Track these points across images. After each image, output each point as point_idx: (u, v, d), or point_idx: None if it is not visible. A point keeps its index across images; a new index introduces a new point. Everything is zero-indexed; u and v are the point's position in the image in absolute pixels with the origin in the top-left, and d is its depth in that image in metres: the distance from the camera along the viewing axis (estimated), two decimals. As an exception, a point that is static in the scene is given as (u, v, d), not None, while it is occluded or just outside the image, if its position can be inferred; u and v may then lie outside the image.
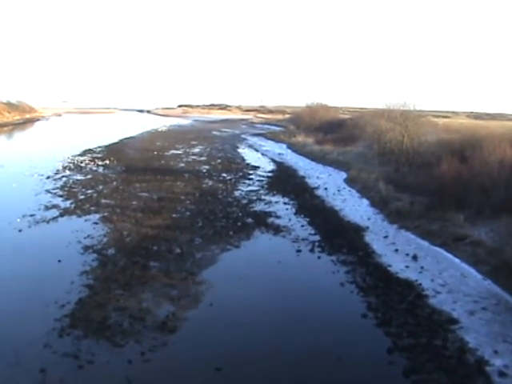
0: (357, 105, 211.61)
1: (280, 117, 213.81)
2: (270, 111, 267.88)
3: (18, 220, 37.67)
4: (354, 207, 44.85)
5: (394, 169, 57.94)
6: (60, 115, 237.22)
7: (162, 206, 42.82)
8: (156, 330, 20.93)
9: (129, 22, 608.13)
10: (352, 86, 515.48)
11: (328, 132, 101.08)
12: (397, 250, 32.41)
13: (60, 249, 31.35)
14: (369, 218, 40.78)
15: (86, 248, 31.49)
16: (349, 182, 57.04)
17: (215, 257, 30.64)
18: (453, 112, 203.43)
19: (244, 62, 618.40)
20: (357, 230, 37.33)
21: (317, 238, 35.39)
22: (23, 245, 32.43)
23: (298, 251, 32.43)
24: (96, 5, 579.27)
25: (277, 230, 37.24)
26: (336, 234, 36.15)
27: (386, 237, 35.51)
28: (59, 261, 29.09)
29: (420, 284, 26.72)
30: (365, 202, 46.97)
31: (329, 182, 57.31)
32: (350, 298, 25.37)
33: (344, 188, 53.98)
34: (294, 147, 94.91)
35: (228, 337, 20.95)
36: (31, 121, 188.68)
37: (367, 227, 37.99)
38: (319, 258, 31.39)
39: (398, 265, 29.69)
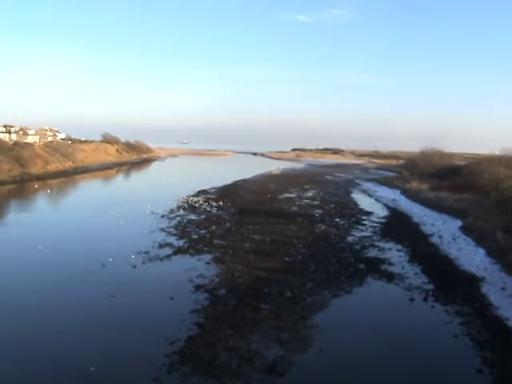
0: (473, 150, 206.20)
1: (394, 162, 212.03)
2: (384, 156, 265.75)
3: (133, 256, 38.87)
4: (470, 256, 43.46)
5: (512, 217, 55.95)
6: (176, 156, 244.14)
7: (275, 249, 43.02)
8: (264, 372, 20.91)
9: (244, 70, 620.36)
10: (468, 131, 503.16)
11: (443, 178, 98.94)
12: (515, 303, 31.15)
13: (172, 286, 32.05)
14: (485, 269, 39.37)
15: (198, 287, 32.04)
16: (464, 230, 55.43)
17: (326, 302, 30.42)
18: None
19: (358, 107, 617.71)
20: (472, 280, 36.10)
21: (430, 286, 34.49)
22: (137, 281, 33.56)
23: (411, 300, 31.70)
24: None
25: (390, 277, 36.62)
26: (450, 284, 35.09)
27: (503, 288, 34.17)
28: (171, 298, 29.77)
29: (542, 340, 25.52)
30: (481, 251, 45.37)
31: (443, 230, 55.92)
32: (465, 351, 24.49)
33: (459, 236, 52.49)
34: (407, 193, 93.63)
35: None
36: (148, 161, 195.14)
37: (483, 278, 36.67)
38: (432, 307, 30.56)
39: (517, 318, 28.49)
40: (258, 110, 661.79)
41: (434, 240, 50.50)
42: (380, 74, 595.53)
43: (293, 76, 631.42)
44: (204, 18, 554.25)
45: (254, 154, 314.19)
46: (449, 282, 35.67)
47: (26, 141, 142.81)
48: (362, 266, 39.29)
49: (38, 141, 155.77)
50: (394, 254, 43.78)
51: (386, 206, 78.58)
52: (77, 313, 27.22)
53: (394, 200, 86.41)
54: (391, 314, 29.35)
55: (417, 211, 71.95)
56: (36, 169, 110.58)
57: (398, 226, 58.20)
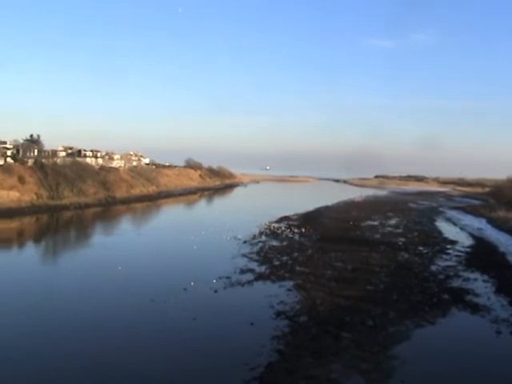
0: None
1: (479, 190, 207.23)
2: (469, 184, 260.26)
3: (214, 281, 39.28)
4: (561, 289, 41.89)
5: None
6: (258, 182, 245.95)
7: (356, 277, 42.58)
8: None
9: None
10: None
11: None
12: None
13: (253, 312, 32.22)
14: None
15: (279, 313, 32.04)
16: (555, 261, 53.58)
17: (409, 332, 29.83)
18: None
19: (443, 134, 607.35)
20: None
21: (518, 319, 33.39)
22: (218, 305, 33.90)
23: (498, 332, 30.70)
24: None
25: (475, 308, 35.60)
26: (540, 317, 33.90)
27: None
28: (252, 324, 29.90)
29: None
30: None
31: (532, 261, 54.20)
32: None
33: (549, 267, 50.71)
34: (494, 222, 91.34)
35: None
36: (230, 186, 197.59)
37: None
38: (521, 341, 29.59)
39: None
40: (342, 136, 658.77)
41: (522, 270, 48.94)
42: (460, 98, 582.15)
43: (376, 102, 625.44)
44: (291, 44, 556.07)
45: (336, 180, 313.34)
46: (538, 315, 34.48)
47: (111, 165, 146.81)
48: (445, 296, 38.40)
49: (123, 165, 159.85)
50: (480, 285, 42.62)
51: (471, 234, 76.71)
52: (158, 334, 27.85)
53: (479, 229, 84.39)
54: (476, 347, 28.60)
55: (504, 241, 70.04)
56: (120, 192, 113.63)
57: (483, 256, 56.63)
